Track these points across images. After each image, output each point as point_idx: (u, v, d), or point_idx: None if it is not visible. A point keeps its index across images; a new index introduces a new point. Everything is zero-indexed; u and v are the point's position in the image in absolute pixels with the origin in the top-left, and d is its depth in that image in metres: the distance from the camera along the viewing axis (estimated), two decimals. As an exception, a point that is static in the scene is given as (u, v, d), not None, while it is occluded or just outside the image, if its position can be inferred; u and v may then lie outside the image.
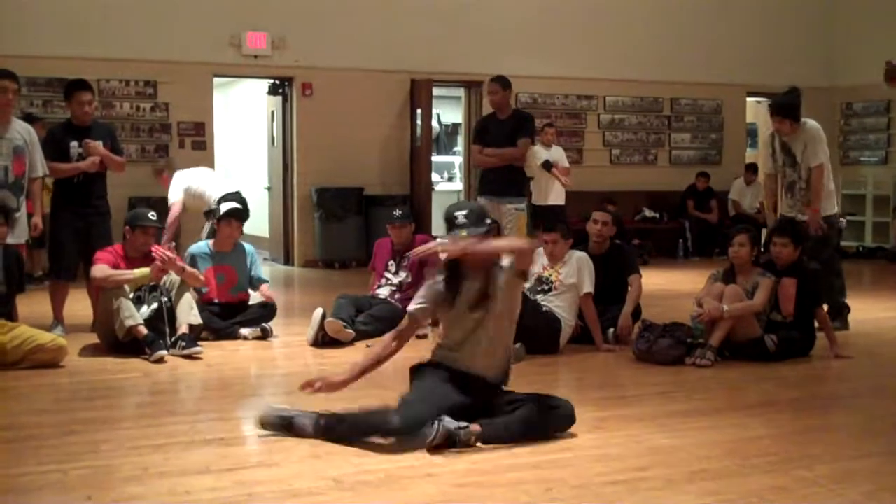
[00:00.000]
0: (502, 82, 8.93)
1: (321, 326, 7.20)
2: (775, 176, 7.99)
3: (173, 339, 6.84)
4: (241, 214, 7.90)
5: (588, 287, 7.07)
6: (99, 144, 7.73)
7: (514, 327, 4.91)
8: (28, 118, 9.32)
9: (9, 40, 11.33)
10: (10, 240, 6.88)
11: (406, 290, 7.97)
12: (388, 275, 8.09)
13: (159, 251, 7.00)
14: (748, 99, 16.19)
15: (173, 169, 10.26)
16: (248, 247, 7.94)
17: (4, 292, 6.53)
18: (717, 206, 14.93)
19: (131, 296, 6.92)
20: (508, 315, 4.84)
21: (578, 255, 7.20)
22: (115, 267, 6.98)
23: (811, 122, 7.88)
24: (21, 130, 7.26)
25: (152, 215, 7.23)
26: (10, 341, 6.30)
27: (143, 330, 6.73)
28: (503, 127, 8.84)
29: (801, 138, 7.64)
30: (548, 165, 11.46)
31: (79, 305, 7.96)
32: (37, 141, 7.37)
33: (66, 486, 4.03)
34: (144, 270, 6.97)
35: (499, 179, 8.80)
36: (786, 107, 7.74)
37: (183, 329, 6.87)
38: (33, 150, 7.29)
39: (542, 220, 9.13)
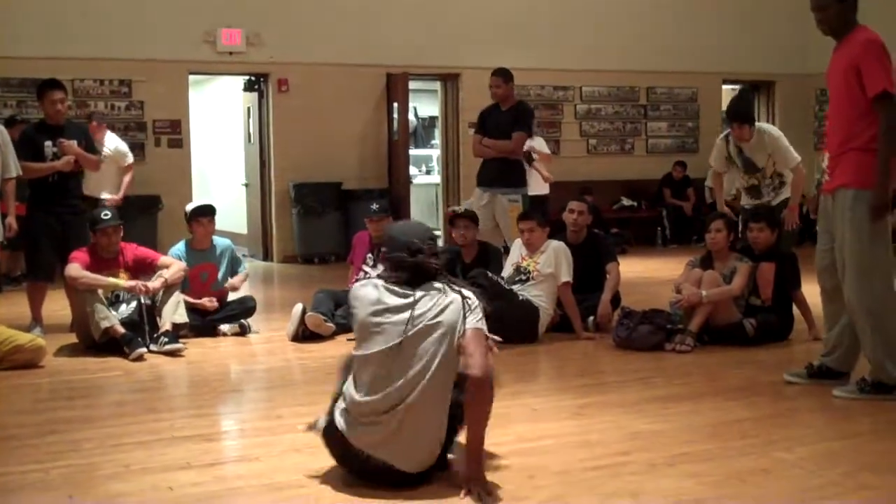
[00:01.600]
0: (504, 75, 8.75)
1: (301, 321, 7.19)
2: (722, 174, 8.04)
3: (155, 335, 6.83)
4: (209, 211, 7.85)
5: (566, 276, 7.09)
6: (73, 143, 7.68)
7: None
8: (11, 121, 9.28)
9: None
10: (-16, 241, 6.85)
11: (385, 283, 7.96)
12: (367, 268, 8.07)
13: (141, 288, 6.94)
14: (724, 86, 16.25)
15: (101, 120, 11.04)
16: (224, 241, 7.91)
17: (-19, 294, 6.50)
18: (694, 194, 14.98)
19: (108, 294, 6.91)
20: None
21: (556, 245, 7.22)
22: (90, 267, 6.94)
23: (769, 129, 7.89)
24: (-7, 131, 7.21)
25: (106, 214, 7.18)
26: (-11, 343, 6.26)
27: (120, 329, 6.71)
28: (503, 118, 8.71)
29: (763, 148, 7.65)
30: (529, 158, 11.47)
31: (57, 305, 7.92)
32: (9, 141, 7.31)
33: (48, 485, 4.01)
34: (119, 282, 6.94)
35: (494, 171, 8.71)
36: (743, 113, 7.82)
37: (166, 326, 6.86)
38: (5, 151, 7.22)
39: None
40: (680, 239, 14.74)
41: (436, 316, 3.82)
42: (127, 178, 10.64)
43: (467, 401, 3.75)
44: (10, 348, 6.31)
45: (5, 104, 11.52)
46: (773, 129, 7.96)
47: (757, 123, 7.83)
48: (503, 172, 8.70)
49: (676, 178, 15.08)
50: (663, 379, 5.91)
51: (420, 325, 3.81)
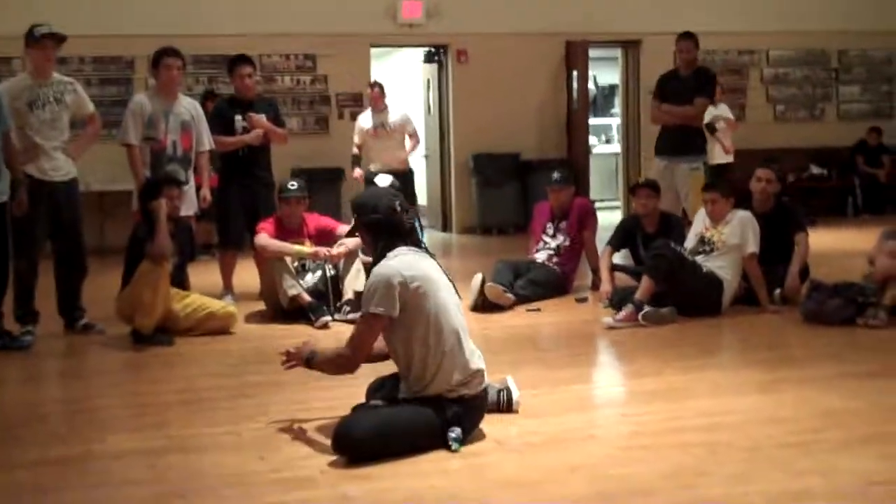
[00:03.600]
0: (695, 39, 8.51)
1: (481, 291, 7.23)
2: None
3: (338, 304, 6.99)
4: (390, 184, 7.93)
5: (752, 247, 6.87)
6: (262, 117, 7.91)
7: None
8: (209, 95, 9.65)
9: (175, 20, 11.69)
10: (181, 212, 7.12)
11: (563, 255, 7.93)
12: (547, 238, 8.05)
13: (324, 254, 7.09)
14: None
15: None
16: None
17: (177, 262, 6.76)
18: (890, 162, 14.27)
19: (295, 264, 7.11)
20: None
21: (741, 215, 7.00)
22: (275, 236, 7.15)
23: None
24: (188, 106, 7.48)
25: (291, 185, 7.37)
26: (184, 309, 6.55)
27: (307, 298, 6.91)
28: (685, 84, 8.45)
29: None
30: (711, 129, 11.26)
31: (247, 274, 8.21)
32: (203, 116, 7.60)
33: (240, 446, 4.17)
34: (303, 248, 7.14)
35: (674, 139, 8.48)
36: None
37: (348, 295, 7.00)
38: (199, 125, 7.50)
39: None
40: (873, 209, 14.06)
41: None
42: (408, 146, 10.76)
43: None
44: (203, 315, 6.60)
45: (197, 80, 11.96)
46: None
47: None
48: (683, 140, 8.47)
49: (871, 145, 14.38)
50: (855, 354, 5.67)
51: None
